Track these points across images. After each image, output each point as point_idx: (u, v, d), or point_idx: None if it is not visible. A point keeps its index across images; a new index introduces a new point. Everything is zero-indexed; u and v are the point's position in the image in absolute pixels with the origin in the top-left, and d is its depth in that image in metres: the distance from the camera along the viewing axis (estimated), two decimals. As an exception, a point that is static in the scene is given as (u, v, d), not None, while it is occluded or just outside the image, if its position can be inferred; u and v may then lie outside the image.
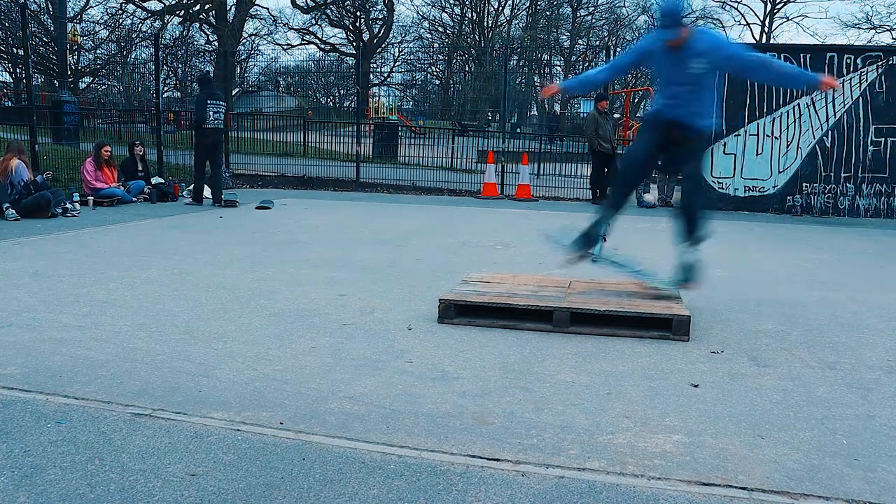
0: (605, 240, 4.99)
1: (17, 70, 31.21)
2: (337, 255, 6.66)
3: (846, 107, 11.34)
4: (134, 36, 32.57)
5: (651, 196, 12.49)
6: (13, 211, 8.57)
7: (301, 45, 38.94)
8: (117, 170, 10.93)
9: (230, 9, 32.76)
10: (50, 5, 28.42)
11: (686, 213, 4.68)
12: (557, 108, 36.12)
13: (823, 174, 11.51)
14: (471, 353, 3.78)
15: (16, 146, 9.25)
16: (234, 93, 18.83)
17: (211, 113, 10.48)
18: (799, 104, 11.44)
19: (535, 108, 34.33)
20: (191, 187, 11.92)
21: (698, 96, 4.58)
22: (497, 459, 2.53)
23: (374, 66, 40.16)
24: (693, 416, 2.98)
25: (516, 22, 44.39)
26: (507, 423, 2.85)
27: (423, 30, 43.59)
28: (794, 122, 11.47)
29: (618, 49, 42.91)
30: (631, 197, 4.99)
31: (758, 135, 11.58)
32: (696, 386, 3.35)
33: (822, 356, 3.89)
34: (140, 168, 11.43)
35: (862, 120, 11.31)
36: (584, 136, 13.32)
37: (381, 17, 39.78)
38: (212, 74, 12.90)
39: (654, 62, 4.79)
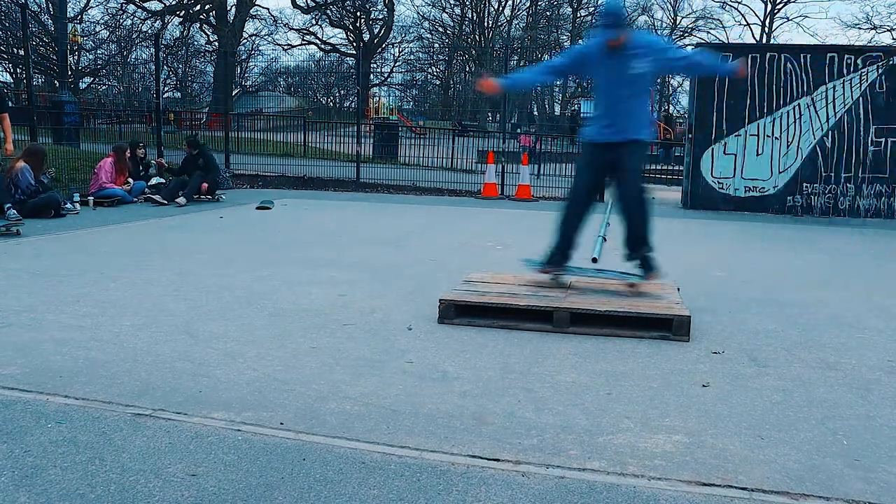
0: (605, 240, 5.00)
1: (18, 70, 31.24)
2: (337, 255, 6.65)
3: (846, 107, 11.34)
4: (134, 36, 32.62)
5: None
6: (14, 211, 8.57)
7: (301, 45, 39.03)
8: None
9: (230, 9, 32.80)
10: (50, 5, 28.43)
11: (631, 225, 4.65)
12: (557, 108, 36.13)
13: (824, 174, 11.50)
14: (471, 353, 3.78)
15: (31, 150, 9.15)
16: (234, 93, 18.81)
17: None
18: (799, 104, 11.43)
19: (535, 109, 34.37)
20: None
21: (638, 102, 4.52)
22: (497, 460, 2.53)
23: (375, 66, 40.21)
24: (693, 417, 2.98)
25: (516, 22, 44.39)
26: (508, 424, 2.85)
27: (423, 30, 43.62)
28: (795, 122, 11.47)
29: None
30: (584, 221, 4.84)
31: (758, 135, 11.58)
32: (705, 385, 3.34)
33: (822, 356, 3.89)
34: (141, 168, 11.43)
35: (862, 120, 11.30)
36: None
37: (381, 17, 39.81)
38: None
39: (591, 67, 4.68)
